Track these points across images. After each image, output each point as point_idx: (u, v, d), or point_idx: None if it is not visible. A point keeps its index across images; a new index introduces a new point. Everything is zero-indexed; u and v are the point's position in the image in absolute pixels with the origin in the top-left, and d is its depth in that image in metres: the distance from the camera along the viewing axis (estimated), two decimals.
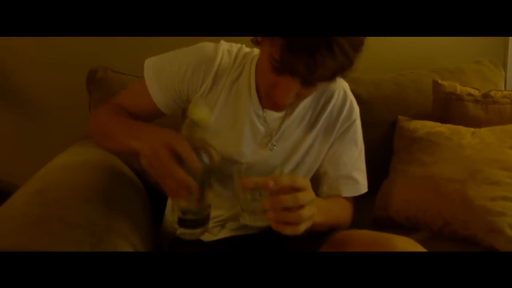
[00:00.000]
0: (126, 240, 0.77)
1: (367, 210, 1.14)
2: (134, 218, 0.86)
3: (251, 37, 0.79)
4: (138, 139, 0.69)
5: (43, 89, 1.40)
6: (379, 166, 1.18)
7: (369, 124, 1.06)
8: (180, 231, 0.69)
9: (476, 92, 1.30)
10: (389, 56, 1.62)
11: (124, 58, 1.37)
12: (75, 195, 0.77)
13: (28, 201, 0.73)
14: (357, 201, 0.96)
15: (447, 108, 1.30)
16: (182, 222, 0.69)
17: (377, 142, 1.30)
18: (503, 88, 1.54)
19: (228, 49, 0.90)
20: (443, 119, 1.29)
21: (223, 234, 0.92)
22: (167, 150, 0.64)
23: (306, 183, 0.67)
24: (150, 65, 0.88)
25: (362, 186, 0.94)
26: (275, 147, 0.89)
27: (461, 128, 1.20)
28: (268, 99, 0.80)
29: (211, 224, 0.92)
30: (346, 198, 0.93)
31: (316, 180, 0.94)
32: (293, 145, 0.91)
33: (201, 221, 0.69)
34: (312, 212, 0.67)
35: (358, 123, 0.95)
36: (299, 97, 0.77)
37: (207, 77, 0.86)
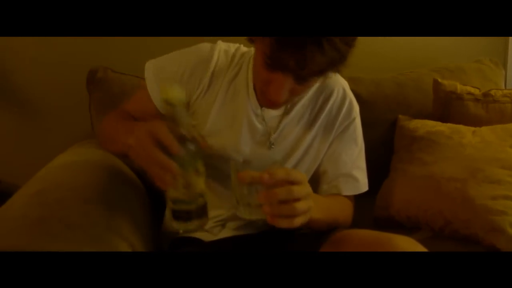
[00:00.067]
0: (126, 241, 0.77)
1: (368, 209, 1.14)
2: (134, 218, 0.86)
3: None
4: (131, 134, 0.69)
5: (43, 89, 1.40)
6: (380, 165, 1.18)
7: (370, 123, 1.07)
8: (175, 224, 0.67)
9: (476, 91, 1.30)
10: (389, 55, 1.62)
11: (124, 58, 1.37)
12: (76, 195, 0.77)
13: (28, 202, 0.72)
14: (358, 201, 0.96)
15: (447, 107, 1.30)
16: (175, 214, 0.66)
17: (377, 142, 1.29)
18: (503, 87, 1.54)
19: (225, 49, 0.91)
20: (443, 118, 1.29)
21: (224, 234, 0.92)
22: (150, 138, 0.63)
23: (302, 176, 0.67)
24: (150, 67, 0.90)
25: (362, 184, 0.94)
26: (273, 146, 0.89)
27: (461, 127, 1.20)
28: (263, 97, 0.80)
29: (211, 223, 0.92)
30: (347, 197, 0.93)
31: (316, 179, 0.94)
32: (292, 143, 0.91)
33: (195, 213, 0.66)
34: (308, 206, 0.66)
35: (358, 121, 0.95)
36: (294, 94, 0.77)
37: (203, 77, 0.87)
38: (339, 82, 0.94)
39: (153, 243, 0.93)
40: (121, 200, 0.87)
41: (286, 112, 0.90)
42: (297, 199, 0.64)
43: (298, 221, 0.65)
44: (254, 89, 0.86)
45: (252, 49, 0.89)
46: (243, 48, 0.93)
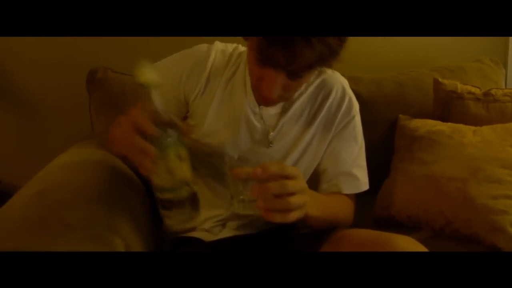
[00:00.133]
0: (126, 241, 0.77)
1: (368, 209, 1.14)
2: (134, 218, 0.86)
3: None
4: (118, 126, 0.68)
5: (43, 89, 1.40)
6: (380, 165, 1.17)
7: (370, 123, 1.07)
8: (164, 214, 0.65)
9: (477, 91, 1.30)
10: (390, 55, 1.62)
11: (124, 58, 1.36)
12: (76, 196, 0.77)
13: (28, 202, 0.72)
14: (358, 200, 0.95)
15: (448, 106, 1.30)
16: (161, 204, 0.64)
17: (377, 141, 1.29)
18: (504, 87, 1.54)
19: (222, 49, 0.91)
20: (444, 118, 1.29)
21: (224, 233, 0.92)
22: (131, 127, 0.63)
23: (296, 171, 0.67)
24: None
25: (362, 183, 0.93)
26: (272, 144, 0.89)
27: (462, 126, 1.20)
28: (258, 93, 0.80)
29: (211, 223, 0.92)
30: (347, 196, 0.92)
31: (317, 178, 0.94)
32: (291, 142, 0.91)
33: (181, 203, 0.64)
34: (303, 200, 0.66)
35: (358, 119, 0.94)
36: (288, 90, 0.77)
37: (200, 77, 0.88)
38: (338, 80, 0.94)
39: (153, 243, 0.93)
40: (121, 200, 0.87)
41: (285, 110, 0.90)
42: (292, 194, 0.64)
43: (293, 216, 0.65)
44: (252, 87, 0.86)
45: None
46: (241, 48, 0.93)
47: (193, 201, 0.65)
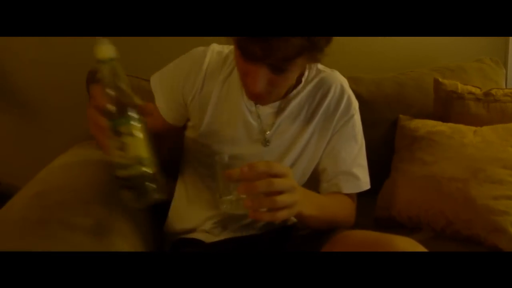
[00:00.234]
0: (127, 243, 0.77)
1: (369, 210, 1.14)
2: (135, 220, 0.86)
3: None
4: None
5: (43, 90, 1.40)
6: (380, 165, 1.17)
7: (370, 123, 1.06)
8: (120, 193, 0.63)
9: (477, 91, 1.30)
10: (390, 55, 1.62)
11: (124, 58, 1.36)
12: (76, 197, 0.77)
13: (29, 204, 0.72)
14: (358, 201, 0.95)
15: (448, 107, 1.30)
16: (119, 183, 0.63)
17: (378, 142, 1.29)
18: (504, 86, 1.54)
19: (218, 50, 0.92)
20: (444, 118, 1.29)
21: (225, 235, 0.92)
22: (91, 103, 0.63)
23: (285, 169, 0.66)
24: (155, 79, 0.94)
25: (363, 183, 0.92)
26: (269, 143, 0.89)
27: (462, 127, 1.20)
28: (246, 90, 0.80)
29: (211, 224, 0.92)
30: (348, 196, 0.92)
31: (317, 178, 0.94)
32: (289, 141, 0.90)
33: (135, 182, 0.62)
34: (292, 199, 0.65)
35: (357, 118, 0.94)
36: (275, 86, 0.76)
37: (196, 79, 0.89)
38: (337, 79, 0.93)
39: (154, 244, 0.93)
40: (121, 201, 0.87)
41: (281, 109, 0.89)
42: (280, 192, 0.64)
43: (281, 215, 0.65)
44: (242, 84, 0.86)
45: None
46: None
47: (149, 181, 0.63)
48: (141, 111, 0.62)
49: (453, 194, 1.05)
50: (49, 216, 0.68)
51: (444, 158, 1.12)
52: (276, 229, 0.93)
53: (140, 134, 0.61)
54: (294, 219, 0.95)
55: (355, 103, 0.94)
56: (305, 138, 0.90)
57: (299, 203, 0.68)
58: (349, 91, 0.94)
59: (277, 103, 0.89)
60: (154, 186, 0.63)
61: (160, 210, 1.04)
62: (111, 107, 0.59)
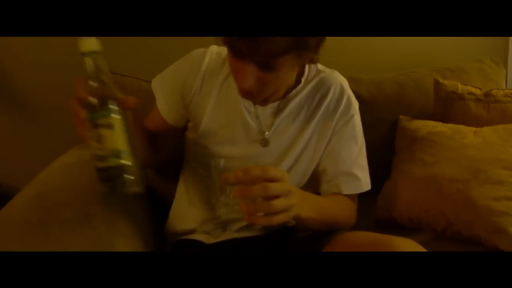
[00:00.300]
0: (127, 244, 0.77)
1: (369, 210, 1.13)
2: (135, 221, 0.86)
3: None
4: None
5: (43, 90, 1.40)
6: (381, 166, 1.17)
7: (370, 124, 1.06)
8: (100, 185, 0.64)
9: (477, 91, 1.29)
10: (390, 55, 1.62)
11: (124, 59, 1.36)
12: (76, 198, 0.77)
13: (29, 205, 0.72)
14: (359, 202, 0.95)
15: (448, 107, 1.30)
16: (98, 174, 0.64)
17: (378, 142, 1.29)
18: (504, 87, 1.54)
19: (217, 52, 0.92)
20: (444, 119, 1.28)
21: (226, 236, 0.92)
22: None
23: (280, 174, 0.67)
24: (157, 82, 0.95)
25: (363, 183, 0.92)
26: (268, 144, 0.89)
27: (463, 127, 1.19)
28: (237, 87, 0.80)
29: (211, 226, 0.92)
30: (349, 196, 0.91)
31: (317, 179, 0.93)
32: (288, 141, 0.90)
33: (110, 174, 0.63)
34: (287, 203, 0.66)
35: (357, 118, 0.94)
36: (264, 84, 0.75)
37: (195, 79, 0.90)
38: (337, 79, 0.93)
39: (154, 245, 0.92)
40: (122, 203, 0.87)
41: (280, 109, 0.89)
42: (275, 197, 0.64)
43: (277, 219, 0.65)
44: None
45: None
46: None
47: (126, 174, 0.64)
48: (122, 105, 0.63)
49: (454, 195, 1.05)
50: (49, 217, 0.69)
51: (444, 159, 1.12)
52: (276, 230, 0.93)
53: (118, 127, 0.62)
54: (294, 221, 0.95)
55: (355, 104, 0.93)
56: (304, 138, 0.90)
57: (295, 207, 0.68)
58: (349, 92, 0.93)
59: (276, 104, 0.89)
60: (131, 178, 0.64)
61: (161, 211, 1.04)
62: (92, 99, 0.61)
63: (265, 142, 0.89)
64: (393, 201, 1.14)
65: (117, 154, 0.62)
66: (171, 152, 1.01)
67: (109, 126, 0.61)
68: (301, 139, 0.90)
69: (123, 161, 0.62)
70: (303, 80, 0.91)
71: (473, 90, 1.30)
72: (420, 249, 0.72)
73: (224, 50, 0.93)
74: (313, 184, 0.93)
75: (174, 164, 1.04)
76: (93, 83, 0.61)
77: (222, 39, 0.72)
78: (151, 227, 0.97)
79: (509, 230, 0.96)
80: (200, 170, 0.95)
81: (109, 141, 0.61)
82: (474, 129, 1.18)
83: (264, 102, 0.86)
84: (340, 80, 0.93)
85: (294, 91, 0.90)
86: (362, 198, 0.95)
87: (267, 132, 0.90)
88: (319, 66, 0.94)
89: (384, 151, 1.28)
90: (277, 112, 0.89)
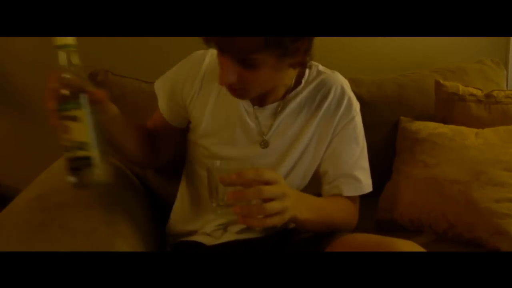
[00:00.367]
0: (128, 245, 0.77)
1: (370, 212, 1.13)
2: (136, 223, 0.86)
3: None
4: None
5: (44, 91, 1.39)
6: (382, 167, 1.17)
7: (371, 125, 1.06)
8: (67, 176, 0.67)
9: (478, 92, 1.29)
10: (390, 56, 1.62)
11: (125, 60, 1.36)
12: (77, 200, 0.77)
13: (29, 207, 0.72)
14: (360, 203, 0.94)
15: (449, 108, 1.29)
16: (65, 164, 0.67)
17: (379, 143, 1.28)
18: (505, 88, 1.54)
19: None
20: (445, 120, 1.28)
21: (226, 237, 0.92)
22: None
23: (275, 176, 0.67)
24: (159, 83, 0.97)
25: (365, 185, 0.91)
26: (268, 145, 0.89)
27: (464, 128, 1.19)
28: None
29: (212, 227, 0.92)
30: (350, 198, 0.91)
31: (318, 180, 0.93)
32: (288, 143, 0.90)
33: (78, 165, 0.65)
34: (282, 206, 0.66)
35: (358, 120, 0.93)
36: (246, 81, 0.76)
37: (195, 80, 0.91)
38: (338, 80, 0.93)
39: (155, 247, 0.92)
40: (123, 205, 0.87)
41: (280, 110, 0.89)
42: (270, 199, 0.65)
43: (271, 222, 0.66)
44: None
45: None
46: None
47: (89, 166, 0.66)
48: (91, 98, 0.65)
49: (455, 196, 1.04)
50: (50, 219, 0.68)
51: (445, 161, 1.12)
52: (277, 232, 0.93)
53: (84, 120, 0.64)
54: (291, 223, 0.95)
55: (356, 105, 0.93)
56: (305, 140, 0.90)
57: (291, 209, 0.68)
58: (350, 93, 0.93)
59: (275, 104, 0.89)
60: (95, 170, 0.66)
61: (162, 211, 1.04)
62: (63, 91, 0.63)
63: (264, 144, 0.89)
64: (394, 203, 1.14)
65: (81, 146, 0.64)
66: (173, 152, 1.01)
67: (75, 118, 0.64)
68: (302, 140, 0.90)
69: (87, 153, 0.65)
70: (303, 81, 0.90)
71: (474, 91, 1.30)
72: (422, 251, 0.72)
73: None
74: (315, 185, 0.93)
75: (175, 164, 1.04)
76: (65, 76, 0.64)
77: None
78: (152, 228, 0.97)
79: (511, 231, 0.96)
80: (200, 171, 0.95)
81: (75, 132, 0.64)
82: (475, 130, 1.18)
83: (237, 94, 0.87)
84: (341, 81, 0.93)
85: (293, 92, 0.90)
86: (363, 200, 0.94)
87: (267, 134, 0.89)
88: (320, 67, 0.94)
89: (385, 153, 1.28)
90: (277, 113, 0.89)
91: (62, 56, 0.65)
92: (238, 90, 0.79)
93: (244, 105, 0.89)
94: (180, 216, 0.99)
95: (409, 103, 1.36)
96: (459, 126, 1.21)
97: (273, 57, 0.72)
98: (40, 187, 0.82)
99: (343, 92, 0.91)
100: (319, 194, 0.92)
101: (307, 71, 0.91)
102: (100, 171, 0.67)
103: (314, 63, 0.94)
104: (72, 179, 0.66)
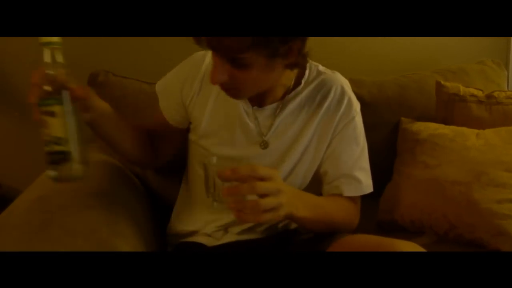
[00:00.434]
0: (129, 246, 0.76)
1: (371, 213, 1.13)
2: (137, 224, 0.85)
3: None
4: None
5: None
6: (382, 168, 1.17)
7: (372, 126, 1.05)
8: (46, 169, 0.69)
9: (479, 93, 1.29)
10: (391, 57, 1.61)
11: (126, 61, 1.36)
12: (77, 201, 0.77)
13: (30, 208, 0.72)
14: (361, 204, 0.94)
15: (450, 109, 1.29)
16: (45, 157, 0.69)
17: (379, 144, 1.28)
18: (506, 88, 1.53)
19: None
20: (446, 121, 1.28)
21: (227, 238, 0.92)
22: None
23: (270, 173, 0.68)
24: (160, 84, 0.97)
25: (365, 186, 0.91)
26: (268, 145, 0.89)
27: (465, 129, 1.19)
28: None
29: (213, 228, 0.92)
30: (350, 199, 0.90)
31: (319, 181, 0.93)
32: (288, 143, 0.90)
33: (54, 159, 0.68)
34: (276, 202, 0.67)
35: (359, 120, 0.93)
36: (238, 80, 0.76)
37: (194, 81, 0.91)
38: (338, 80, 0.92)
39: (156, 247, 0.92)
40: (124, 205, 0.87)
41: (279, 111, 0.89)
42: (264, 195, 0.65)
43: (265, 217, 0.66)
44: None
45: None
46: None
47: (65, 160, 0.68)
48: (73, 95, 0.67)
49: (456, 197, 1.04)
50: (51, 221, 0.68)
51: (446, 161, 1.12)
52: (278, 233, 0.93)
53: (61, 115, 0.66)
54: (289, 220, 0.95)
55: (357, 105, 0.93)
56: (305, 140, 0.90)
57: (286, 205, 0.69)
58: (350, 93, 0.93)
59: (274, 105, 0.89)
60: (71, 165, 0.68)
61: (163, 212, 1.04)
62: (45, 87, 0.66)
63: (264, 144, 0.89)
64: (395, 204, 1.14)
65: (58, 141, 0.67)
66: (174, 153, 1.01)
67: (53, 114, 0.66)
68: (302, 140, 0.90)
69: (64, 148, 0.67)
70: (303, 81, 0.90)
71: (475, 92, 1.29)
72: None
73: None
74: (315, 186, 0.93)
75: (176, 165, 1.04)
76: (48, 72, 0.67)
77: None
78: (153, 228, 0.97)
79: None
80: (201, 172, 0.95)
81: (52, 127, 0.66)
82: (476, 131, 1.18)
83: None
84: (341, 81, 0.93)
85: (293, 93, 0.90)
86: (364, 201, 0.94)
87: (267, 134, 0.89)
88: (320, 67, 0.94)
89: (385, 153, 1.28)
90: (276, 113, 0.89)
91: (46, 53, 0.67)
92: (231, 90, 0.79)
93: (243, 106, 0.89)
94: (181, 216, 0.99)
95: (410, 104, 1.36)
96: (460, 127, 1.21)
97: (262, 57, 0.72)
98: (41, 188, 0.82)
99: (343, 92, 0.91)
100: (320, 195, 0.92)
101: (307, 71, 0.91)
102: (78, 166, 0.68)
103: (314, 63, 0.94)
104: (50, 172, 0.68)
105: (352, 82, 0.99)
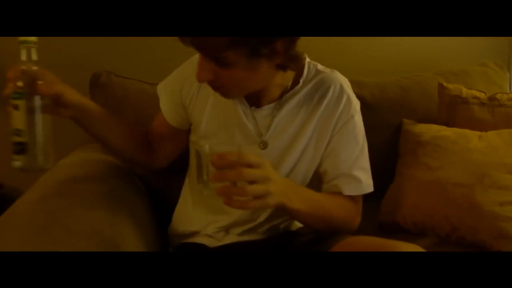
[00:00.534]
0: (131, 246, 0.77)
1: (373, 215, 1.13)
2: (139, 224, 0.85)
3: None
4: None
5: None
6: (384, 170, 1.16)
7: (374, 127, 1.05)
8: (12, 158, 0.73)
9: (482, 95, 1.29)
10: (393, 58, 1.62)
11: (128, 62, 1.36)
12: (79, 201, 0.77)
13: (32, 209, 0.72)
14: (362, 205, 0.94)
15: (452, 111, 1.29)
16: (11, 147, 0.73)
17: (381, 146, 1.28)
18: (508, 90, 1.53)
19: None
20: (449, 123, 1.28)
21: (228, 239, 0.92)
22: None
23: (259, 161, 0.67)
24: (161, 86, 0.98)
25: (365, 185, 0.90)
26: (267, 146, 0.89)
27: (467, 131, 1.19)
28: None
29: (214, 229, 0.92)
30: (351, 198, 0.90)
31: (319, 180, 0.93)
32: (287, 142, 0.89)
33: (16, 149, 0.71)
34: (263, 189, 0.66)
35: (358, 119, 0.92)
36: (223, 79, 0.77)
37: (193, 82, 0.91)
38: (337, 79, 0.91)
39: (158, 248, 0.92)
40: (126, 206, 0.87)
41: (278, 111, 0.89)
42: (252, 182, 0.65)
43: (253, 205, 0.66)
44: None
45: None
46: None
47: (25, 151, 0.72)
48: (40, 90, 0.71)
49: (458, 199, 1.04)
50: (53, 221, 0.68)
51: (449, 163, 1.11)
52: (279, 234, 0.93)
53: (22, 108, 0.70)
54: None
55: (356, 104, 0.92)
56: (304, 139, 0.89)
57: (276, 195, 0.68)
58: (349, 91, 0.92)
59: (272, 105, 0.89)
60: (31, 156, 0.72)
61: (165, 213, 1.04)
62: (17, 83, 0.71)
63: (263, 144, 0.89)
64: (397, 206, 1.14)
65: (18, 133, 0.71)
66: (176, 154, 1.01)
67: (17, 107, 0.70)
68: (301, 139, 0.89)
69: (23, 139, 0.71)
70: (301, 81, 0.90)
71: (478, 94, 1.29)
72: None
73: None
74: (316, 186, 0.92)
75: (178, 165, 1.04)
76: (22, 68, 0.72)
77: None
78: (155, 229, 0.97)
79: None
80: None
81: (15, 119, 0.71)
82: (478, 133, 1.18)
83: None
84: (340, 80, 0.92)
85: (291, 92, 0.89)
86: (365, 202, 0.93)
87: (265, 134, 0.89)
88: (319, 66, 0.93)
89: (387, 155, 1.28)
90: (274, 113, 0.89)
91: (23, 51, 0.72)
92: (220, 89, 0.80)
93: (241, 106, 0.89)
94: (182, 217, 0.99)
95: (412, 105, 1.36)
96: (463, 129, 1.21)
97: (243, 57, 0.72)
98: (43, 188, 0.82)
99: (342, 91, 0.90)
100: None
101: (305, 70, 0.91)
102: (39, 157, 0.72)
103: (313, 62, 0.93)
104: (14, 162, 0.72)
105: (354, 84, 0.99)
